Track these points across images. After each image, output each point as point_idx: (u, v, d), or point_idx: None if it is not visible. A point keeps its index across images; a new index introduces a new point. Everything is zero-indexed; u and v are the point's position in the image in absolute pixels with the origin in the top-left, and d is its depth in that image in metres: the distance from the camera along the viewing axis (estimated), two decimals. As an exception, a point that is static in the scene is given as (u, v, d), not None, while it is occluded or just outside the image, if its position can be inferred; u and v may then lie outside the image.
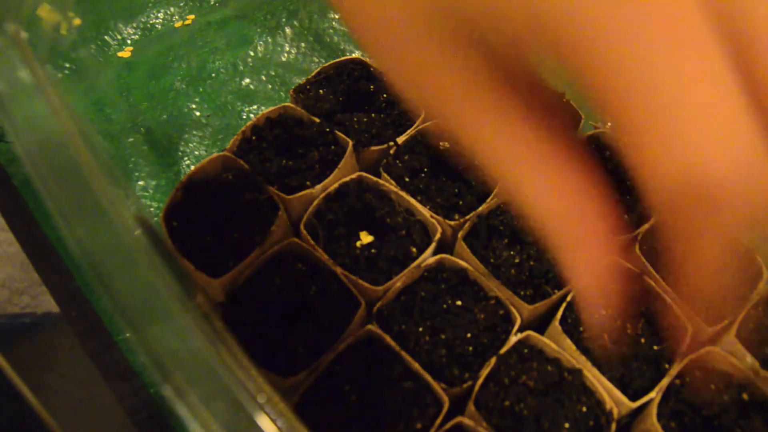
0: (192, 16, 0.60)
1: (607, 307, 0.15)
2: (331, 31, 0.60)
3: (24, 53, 0.28)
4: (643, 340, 0.38)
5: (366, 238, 0.42)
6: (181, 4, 0.61)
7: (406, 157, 0.45)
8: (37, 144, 0.25)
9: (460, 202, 0.43)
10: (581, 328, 0.38)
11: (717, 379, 0.36)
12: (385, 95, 0.49)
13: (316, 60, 0.58)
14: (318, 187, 0.43)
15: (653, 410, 0.35)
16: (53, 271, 0.44)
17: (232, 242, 0.41)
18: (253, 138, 0.46)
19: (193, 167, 0.44)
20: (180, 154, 0.52)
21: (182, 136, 0.53)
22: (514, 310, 0.39)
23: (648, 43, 0.12)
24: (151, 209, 0.49)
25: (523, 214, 0.15)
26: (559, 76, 0.13)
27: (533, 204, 0.15)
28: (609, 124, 0.13)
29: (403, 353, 0.37)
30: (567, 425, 0.35)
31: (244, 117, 0.54)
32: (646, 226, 0.41)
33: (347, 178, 0.44)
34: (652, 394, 0.36)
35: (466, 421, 0.35)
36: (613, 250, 0.15)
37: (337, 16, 0.60)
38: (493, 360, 0.37)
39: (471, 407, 0.35)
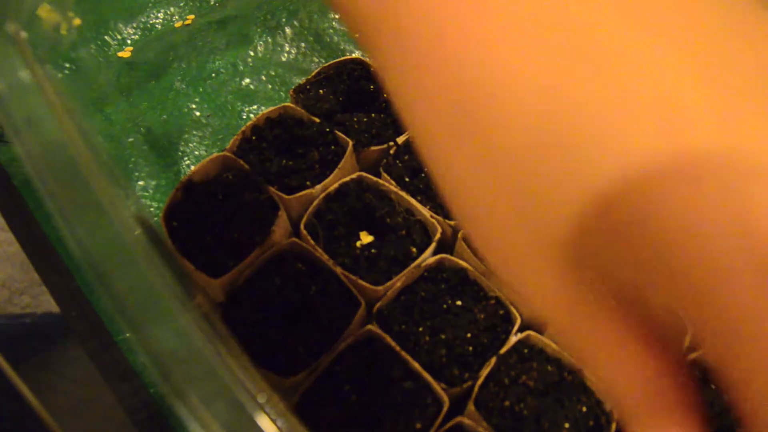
0: (192, 16, 0.60)
1: None
2: (331, 31, 0.60)
3: (24, 53, 0.28)
4: None
5: (366, 238, 0.42)
6: (181, 4, 0.61)
7: (406, 157, 0.45)
8: (37, 144, 0.25)
9: (460, 202, 0.43)
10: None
11: None
12: (385, 95, 0.49)
13: (316, 60, 0.58)
14: (318, 187, 0.43)
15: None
16: (53, 271, 0.44)
17: (232, 242, 0.41)
18: (253, 138, 0.46)
19: (193, 167, 0.44)
20: (180, 154, 0.52)
21: (182, 136, 0.53)
22: (514, 310, 0.39)
23: None
24: (151, 209, 0.49)
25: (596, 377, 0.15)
26: None
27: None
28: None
29: (403, 353, 0.37)
30: (567, 425, 0.35)
31: (244, 117, 0.54)
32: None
33: (347, 178, 0.44)
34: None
35: (466, 421, 0.35)
36: None
37: (337, 16, 0.60)
38: (493, 360, 0.37)
39: (471, 407, 0.35)
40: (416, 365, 0.36)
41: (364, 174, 0.44)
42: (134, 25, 0.59)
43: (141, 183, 0.50)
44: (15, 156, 0.50)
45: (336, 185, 0.43)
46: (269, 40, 0.59)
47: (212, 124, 0.54)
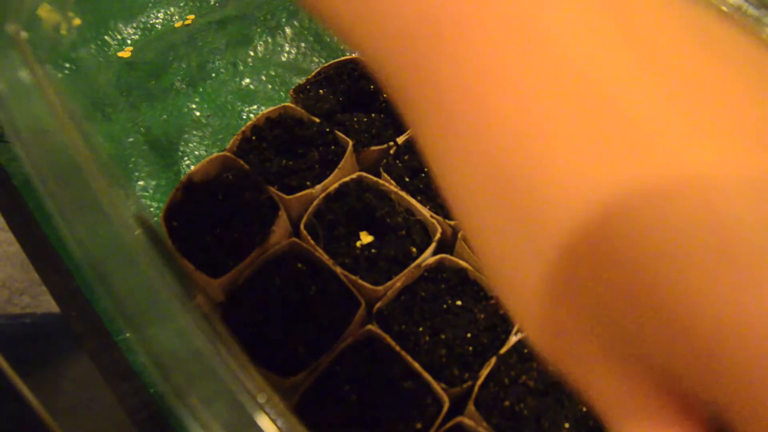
0: (192, 16, 0.60)
1: None
2: (331, 31, 0.60)
3: (24, 53, 0.28)
4: None
5: (366, 238, 0.42)
6: (181, 4, 0.61)
7: (406, 157, 0.45)
8: (37, 144, 0.25)
9: (460, 202, 0.43)
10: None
11: None
12: (385, 95, 0.49)
13: (316, 60, 0.58)
14: (318, 187, 0.43)
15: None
16: (53, 271, 0.44)
17: (232, 242, 0.41)
18: (253, 138, 0.46)
19: (193, 167, 0.44)
20: (180, 154, 0.52)
21: (182, 136, 0.53)
22: (514, 310, 0.39)
23: None
24: (151, 209, 0.49)
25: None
26: None
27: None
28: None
29: (403, 353, 0.37)
30: (567, 425, 0.35)
31: (244, 117, 0.54)
32: None
33: (347, 178, 0.44)
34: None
35: (466, 421, 0.35)
36: None
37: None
38: (493, 360, 0.37)
39: (471, 407, 0.35)
40: (416, 365, 0.36)
41: (364, 174, 0.44)
42: (134, 25, 0.59)
43: (141, 183, 0.50)
44: (15, 156, 0.50)
45: (336, 185, 0.43)
46: (269, 40, 0.59)
47: (212, 124, 0.54)
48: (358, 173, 0.44)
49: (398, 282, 0.39)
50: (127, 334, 0.32)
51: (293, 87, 0.50)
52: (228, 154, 0.44)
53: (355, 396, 0.36)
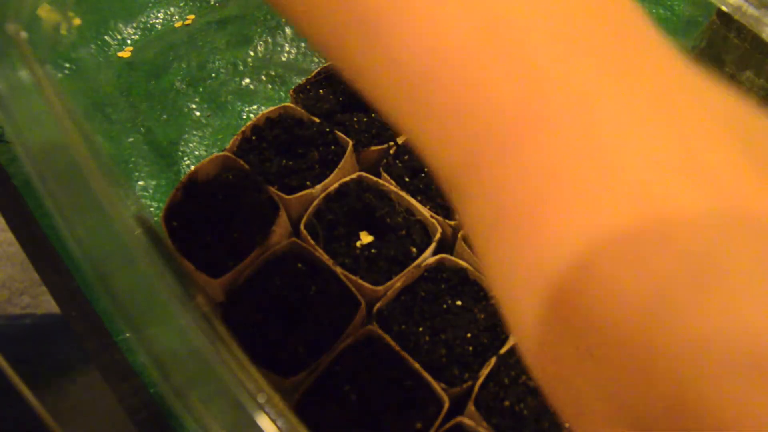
0: (192, 16, 0.60)
1: None
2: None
3: (24, 53, 0.28)
4: None
5: (366, 238, 0.42)
6: (181, 4, 0.61)
7: (406, 157, 0.45)
8: (37, 144, 0.25)
9: (460, 202, 0.43)
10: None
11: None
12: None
13: (316, 60, 0.58)
14: (318, 187, 0.43)
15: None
16: (53, 271, 0.44)
17: (232, 242, 0.41)
18: (253, 138, 0.46)
19: (193, 167, 0.44)
20: (180, 154, 0.52)
21: (182, 136, 0.53)
22: (514, 310, 0.39)
23: None
24: (151, 209, 0.49)
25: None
26: None
27: None
28: None
29: (403, 353, 0.37)
30: (567, 425, 0.35)
31: (244, 117, 0.54)
32: None
33: (347, 178, 0.44)
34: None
35: (466, 420, 0.35)
36: None
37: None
38: (493, 360, 0.37)
39: (471, 407, 0.35)
40: (416, 365, 0.36)
41: (364, 174, 0.44)
42: (134, 25, 0.59)
43: (141, 183, 0.50)
44: (15, 156, 0.50)
45: (336, 185, 0.43)
46: (269, 40, 0.59)
47: (212, 124, 0.54)
48: (358, 173, 0.44)
49: (398, 282, 0.39)
50: (127, 334, 0.32)
51: (293, 87, 0.49)
52: (228, 154, 0.44)
53: (355, 396, 0.36)
